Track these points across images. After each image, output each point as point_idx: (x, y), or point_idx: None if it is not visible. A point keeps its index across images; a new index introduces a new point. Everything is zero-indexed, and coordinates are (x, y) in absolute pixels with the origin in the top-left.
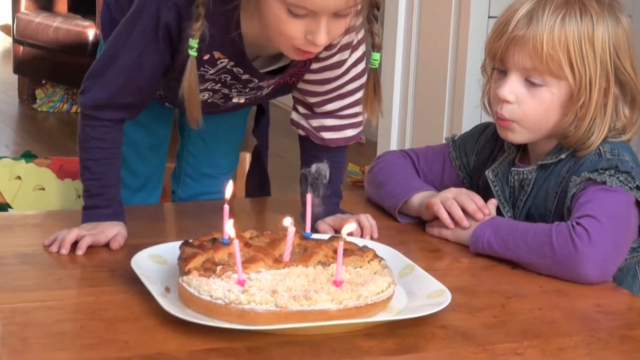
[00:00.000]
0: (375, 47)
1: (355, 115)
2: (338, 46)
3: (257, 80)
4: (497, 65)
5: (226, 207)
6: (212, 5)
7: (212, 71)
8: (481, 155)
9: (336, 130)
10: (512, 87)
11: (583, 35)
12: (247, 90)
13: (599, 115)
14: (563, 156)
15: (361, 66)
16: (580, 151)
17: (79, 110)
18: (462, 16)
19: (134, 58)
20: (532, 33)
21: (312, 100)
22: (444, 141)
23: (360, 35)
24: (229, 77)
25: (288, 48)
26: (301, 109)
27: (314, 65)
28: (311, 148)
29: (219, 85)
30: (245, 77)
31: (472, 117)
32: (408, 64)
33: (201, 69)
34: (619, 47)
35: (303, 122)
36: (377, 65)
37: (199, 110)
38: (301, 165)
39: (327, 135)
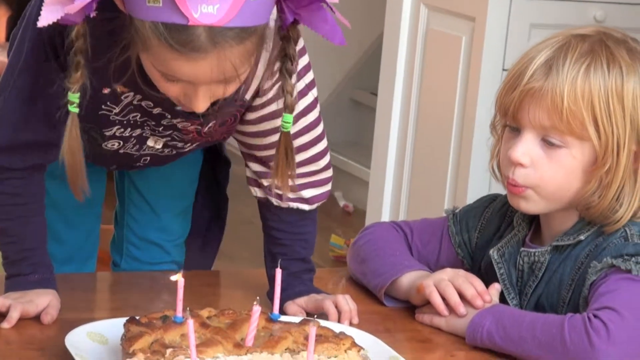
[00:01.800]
0: (286, 107)
1: (313, 173)
2: (272, 93)
3: (169, 116)
4: (509, 123)
5: (181, 280)
6: (94, 50)
7: (117, 109)
8: (485, 232)
9: (292, 192)
10: (527, 148)
11: (611, 90)
12: (161, 128)
13: (628, 182)
14: (582, 237)
15: (313, 115)
16: (606, 226)
17: None
18: (472, 67)
19: (29, 81)
20: (551, 85)
21: (260, 154)
22: (443, 214)
23: (309, 79)
24: (138, 116)
25: (175, 102)
26: (253, 165)
27: (250, 116)
28: (269, 213)
29: (129, 130)
30: (157, 111)
31: (479, 186)
32: (406, 119)
33: (103, 107)
34: None
35: (257, 181)
36: (288, 129)
37: (84, 178)
38: (264, 234)
39: (275, 199)
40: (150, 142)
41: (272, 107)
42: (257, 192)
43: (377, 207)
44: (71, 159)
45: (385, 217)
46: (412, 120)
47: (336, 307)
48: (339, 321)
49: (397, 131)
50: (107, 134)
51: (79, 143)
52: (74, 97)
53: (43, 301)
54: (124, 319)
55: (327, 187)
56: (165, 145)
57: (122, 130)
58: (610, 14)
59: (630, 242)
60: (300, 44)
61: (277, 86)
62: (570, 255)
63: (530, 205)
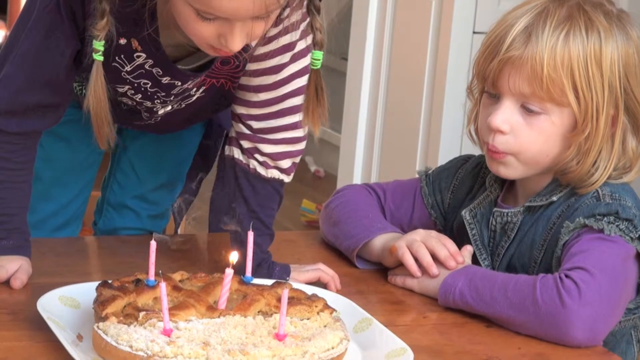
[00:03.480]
0: (316, 44)
1: (294, 141)
2: (275, 45)
3: (179, 83)
4: (488, 89)
5: (153, 243)
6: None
7: (128, 68)
8: (458, 193)
9: (272, 159)
10: (507, 115)
11: (589, 56)
12: (171, 98)
13: (606, 147)
14: (555, 198)
15: (306, 79)
16: (581, 189)
17: None
18: (442, 30)
19: (37, 42)
20: (531, 53)
21: (244, 111)
22: (416, 175)
23: (310, 41)
24: (149, 84)
25: (203, 47)
26: (238, 126)
27: (251, 66)
28: (245, 180)
29: (140, 96)
30: (165, 80)
31: (450, 147)
32: (377, 83)
33: (116, 59)
34: (629, 68)
35: (236, 141)
36: (319, 66)
37: (110, 126)
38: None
39: (255, 164)
40: (160, 112)
41: (273, 62)
42: (236, 153)
43: (349, 172)
44: (97, 107)
45: (357, 181)
46: (383, 84)
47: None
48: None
49: (368, 95)
50: (120, 90)
51: (104, 91)
52: (99, 45)
53: (13, 266)
54: (96, 283)
55: (298, 160)
56: (173, 107)
57: (133, 93)
58: None
59: (602, 202)
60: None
61: (281, 39)
62: (543, 216)
63: (510, 170)
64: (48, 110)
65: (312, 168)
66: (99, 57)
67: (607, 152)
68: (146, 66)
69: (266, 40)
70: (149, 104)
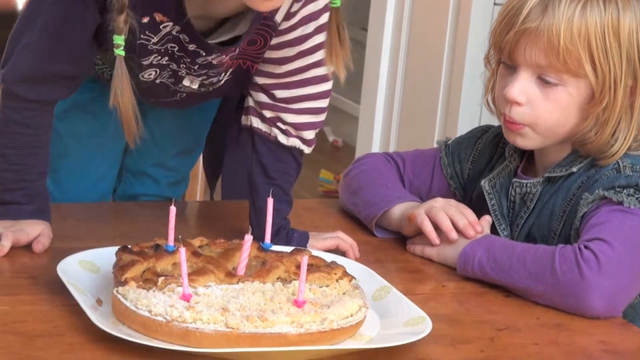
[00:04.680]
0: None
1: (318, 111)
2: (298, 17)
3: (204, 53)
4: (504, 59)
5: (173, 208)
6: None
7: (155, 39)
8: (478, 163)
9: (295, 128)
10: (523, 87)
11: (607, 26)
12: (196, 67)
13: (625, 118)
14: (575, 169)
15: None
16: (601, 160)
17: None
18: (462, 1)
19: (59, 12)
20: (548, 24)
21: (266, 81)
22: (435, 145)
23: (328, 15)
24: (176, 48)
25: None
26: (258, 95)
27: (273, 41)
28: (265, 147)
29: (166, 59)
30: (192, 47)
31: (470, 118)
32: (397, 54)
33: (142, 37)
34: None
35: (258, 111)
36: (339, 4)
37: (138, 121)
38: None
39: (277, 132)
40: (186, 82)
41: (297, 33)
42: (255, 122)
43: (367, 142)
44: (123, 104)
45: (375, 150)
46: (402, 55)
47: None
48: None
49: (387, 66)
50: (145, 63)
51: (129, 86)
52: (119, 39)
53: (34, 230)
54: (115, 248)
55: (317, 131)
56: (201, 85)
57: (159, 58)
58: None
59: (622, 174)
60: None
61: (303, 10)
62: (562, 187)
63: (527, 141)
64: (67, 80)
65: (331, 138)
66: (120, 52)
67: (626, 123)
68: (173, 32)
69: (290, 14)
70: (175, 66)
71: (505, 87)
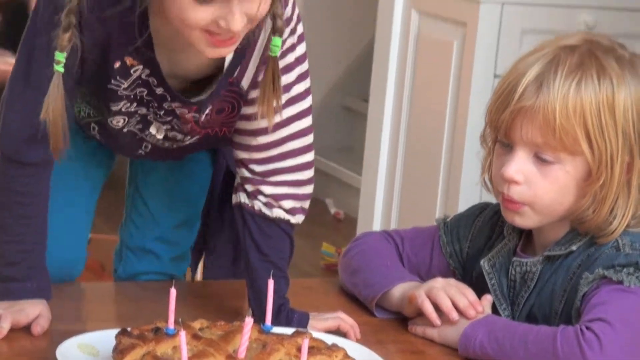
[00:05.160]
0: (276, 31)
1: (298, 184)
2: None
3: (169, 98)
4: (501, 138)
5: (173, 291)
6: (99, 9)
7: (125, 85)
8: (476, 242)
9: (274, 199)
10: (520, 166)
11: (602, 103)
12: (162, 112)
13: (622, 194)
14: (574, 247)
15: (307, 121)
16: (600, 238)
17: None
18: (463, 72)
19: (31, 60)
20: (543, 102)
21: (244, 155)
22: (435, 222)
23: (309, 83)
24: (145, 92)
25: (200, 41)
26: (241, 171)
27: (247, 110)
28: (253, 223)
29: (135, 104)
30: (159, 90)
31: (471, 192)
32: (398, 125)
33: (113, 82)
34: None
35: (241, 186)
36: (277, 53)
37: (66, 138)
38: (245, 246)
39: (259, 204)
40: (152, 129)
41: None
42: (242, 197)
43: (369, 215)
44: (54, 117)
45: (377, 224)
46: (404, 127)
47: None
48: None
49: (389, 138)
50: (114, 108)
51: (62, 104)
52: (60, 56)
53: (34, 311)
54: (115, 331)
55: (307, 204)
56: (165, 137)
57: (128, 105)
58: (600, 20)
59: (622, 252)
60: (300, 29)
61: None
62: (562, 266)
63: (525, 220)
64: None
65: (332, 210)
66: (60, 69)
67: (624, 200)
68: (143, 76)
69: (258, 83)
70: (143, 110)
71: (502, 166)
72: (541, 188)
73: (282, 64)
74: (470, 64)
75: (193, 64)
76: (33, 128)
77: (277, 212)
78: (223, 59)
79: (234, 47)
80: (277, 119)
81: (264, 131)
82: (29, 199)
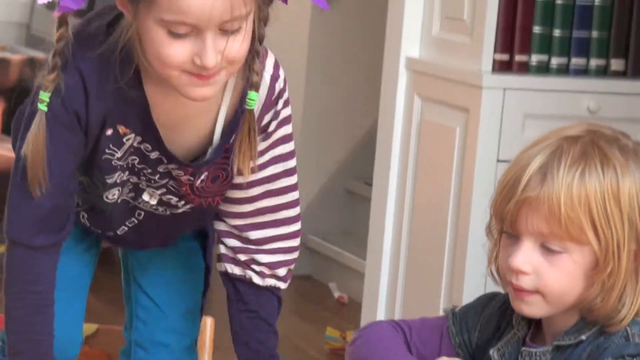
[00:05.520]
0: (252, 85)
1: (291, 250)
2: (268, 157)
3: (165, 161)
4: (506, 229)
5: None
6: (83, 56)
7: (119, 154)
8: (485, 332)
9: (269, 268)
10: (527, 256)
11: (607, 192)
12: (157, 177)
13: (630, 283)
14: (584, 337)
15: (297, 191)
16: (609, 327)
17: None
18: (466, 158)
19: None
20: (548, 193)
21: (238, 222)
22: (441, 312)
23: (292, 165)
24: (137, 160)
25: (181, 81)
26: (229, 241)
27: (240, 179)
28: (247, 293)
29: (127, 173)
30: (153, 155)
31: (476, 284)
32: (401, 210)
33: (106, 151)
34: None
35: (233, 257)
36: (253, 106)
37: (44, 174)
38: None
39: (252, 274)
40: (145, 196)
41: (265, 173)
42: (233, 269)
43: (373, 299)
44: (34, 156)
45: (381, 309)
46: (407, 211)
47: None
48: None
49: (392, 222)
50: (109, 181)
51: (43, 142)
52: (45, 95)
53: None
54: None
55: (293, 267)
56: (160, 202)
57: (121, 175)
58: (603, 105)
59: (631, 342)
60: (285, 96)
61: (272, 151)
62: (572, 356)
63: (534, 309)
64: (67, 215)
65: (336, 294)
66: (43, 107)
67: (632, 288)
68: (135, 144)
69: (257, 152)
70: (135, 179)
71: (509, 257)
72: (551, 278)
73: (276, 135)
74: (473, 149)
75: (188, 130)
76: (40, 211)
77: (269, 281)
78: (214, 127)
79: (214, 89)
80: (253, 177)
81: (260, 197)
82: (40, 287)
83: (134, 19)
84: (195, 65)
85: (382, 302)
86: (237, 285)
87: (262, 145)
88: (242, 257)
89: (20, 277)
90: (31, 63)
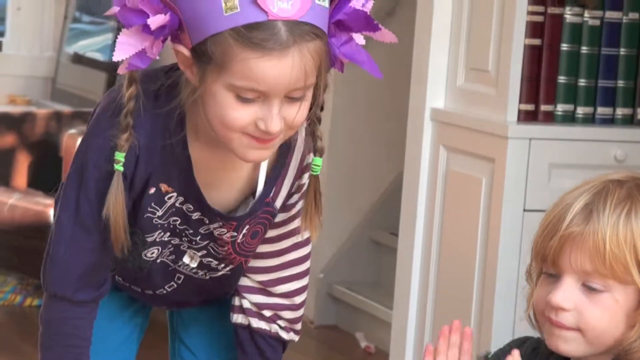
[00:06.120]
0: (317, 151)
1: (304, 303)
2: (296, 209)
3: (207, 221)
4: (547, 270)
5: None
6: (147, 113)
7: (160, 212)
8: None
9: (290, 323)
10: (568, 294)
11: None
12: (198, 238)
13: None
14: None
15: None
16: None
17: (33, 303)
18: (492, 208)
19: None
20: (593, 229)
21: (263, 278)
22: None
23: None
24: (178, 221)
25: (240, 143)
26: (253, 297)
27: (272, 233)
28: (266, 345)
29: (168, 234)
30: (195, 215)
31: (503, 334)
32: (428, 260)
33: (148, 209)
34: None
35: (257, 312)
36: (318, 172)
37: (126, 232)
38: None
39: (277, 328)
40: (186, 259)
41: (293, 225)
42: (259, 323)
43: (400, 349)
44: (116, 217)
45: (409, 358)
46: (434, 261)
47: None
48: None
49: (419, 272)
50: (149, 239)
51: (123, 200)
52: (120, 155)
53: None
54: None
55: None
56: (200, 266)
57: (162, 234)
58: (630, 154)
59: None
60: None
61: (298, 204)
62: None
63: (571, 346)
64: (105, 269)
65: (363, 344)
66: (119, 168)
67: None
68: (177, 204)
69: (288, 207)
70: (176, 240)
71: (549, 294)
72: (592, 316)
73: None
74: (499, 199)
75: (227, 185)
76: (85, 267)
77: (291, 336)
78: (256, 182)
79: (270, 151)
80: (283, 229)
81: (287, 250)
82: (79, 342)
83: (200, 82)
84: (257, 129)
85: (409, 352)
86: (260, 344)
87: (292, 199)
88: (268, 313)
89: (60, 332)
90: (57, 117)
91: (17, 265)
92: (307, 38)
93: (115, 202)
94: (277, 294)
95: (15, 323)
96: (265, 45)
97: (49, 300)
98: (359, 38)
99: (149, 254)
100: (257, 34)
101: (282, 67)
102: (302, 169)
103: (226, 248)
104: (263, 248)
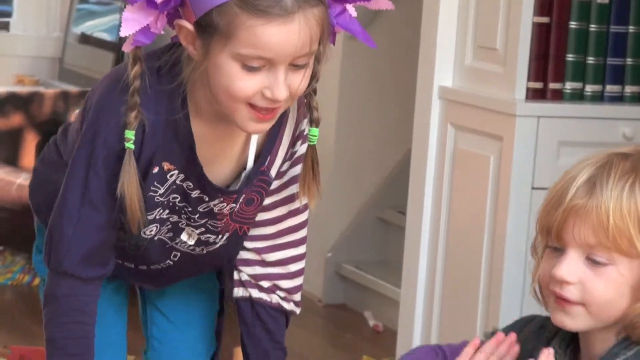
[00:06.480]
0: (313, 121)
1: (303, 271)
2: (287, 177)
3: (207, 199)
4: (551, 243)
5: None
6: (151, 90)
7: (161, 190)
8: (523, 353)
9: (289, 293)
10: (572, 267)
11: None
12: (197, 216)
13: None
14: (623, 358)
15: (307, 214)
16: None
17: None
18: (501, 186)
19: (102, 187)
20: (596, 202)
21: (258, 245)
22: (479, 335)
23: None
24: (178, 199)
25: (243, 115)
26: (250, 269)
27: (266, 201)
28: (267, 315)
29: (167, 212)
30: (195, 194)
31: (512, 311)
32: (436, 238)
33: (151, 188)
34: None
35: (255, 283)
36: (315, 142)
37: (142, 210)
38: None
39: (278, 299)
40: (184, 236)
41: (287, 192)
42: (259, 294)
43: (409, 327)
44: (131, 196)
45: (417, 336)
46: (442, 239)
47: None
48: None
49: (427, 250)
50: (149, 217)
51: (136, 178)
52: (130, 133)
53: None
54: None
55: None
56: (198, 242)
57: (161, 211)
58: (639, 131)
59: None
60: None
61: (291, 170)
62: None
63: (576, 321)
64: (111, 247)
65: (371, 323)
66: (130, 146)
67: None
68: (177, 181)
69: (280, 173)
70: (175, 217)
71: (553, 268)
72: (596, 288)
73: (301, 151)
74: (507, 177)
75: (226, 160)
76: (93, 245)
77: (291, 306)
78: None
79: (271, 123)
80: (276, 197)
81: (282, 218)
82: (86, 318)
83: (204, 56)
84: (264, 98)
85: (417, 330)
86: (262, 315)
87: (284, 166)
88: (266, 284)
89: (69, 307)
90: (64, 97)
91: (25, 246)
92: (311, 3)
93: (129, 179)
94: (272, 263)
95: (24, 302)
96: (271, 12)
97: (56, 277)
98: (351, 10)
99: (147, 232)
100: (262, 1)
101: (288, 33)
102: (296, 137)
103: (224, 220)
104: (259, 216)
